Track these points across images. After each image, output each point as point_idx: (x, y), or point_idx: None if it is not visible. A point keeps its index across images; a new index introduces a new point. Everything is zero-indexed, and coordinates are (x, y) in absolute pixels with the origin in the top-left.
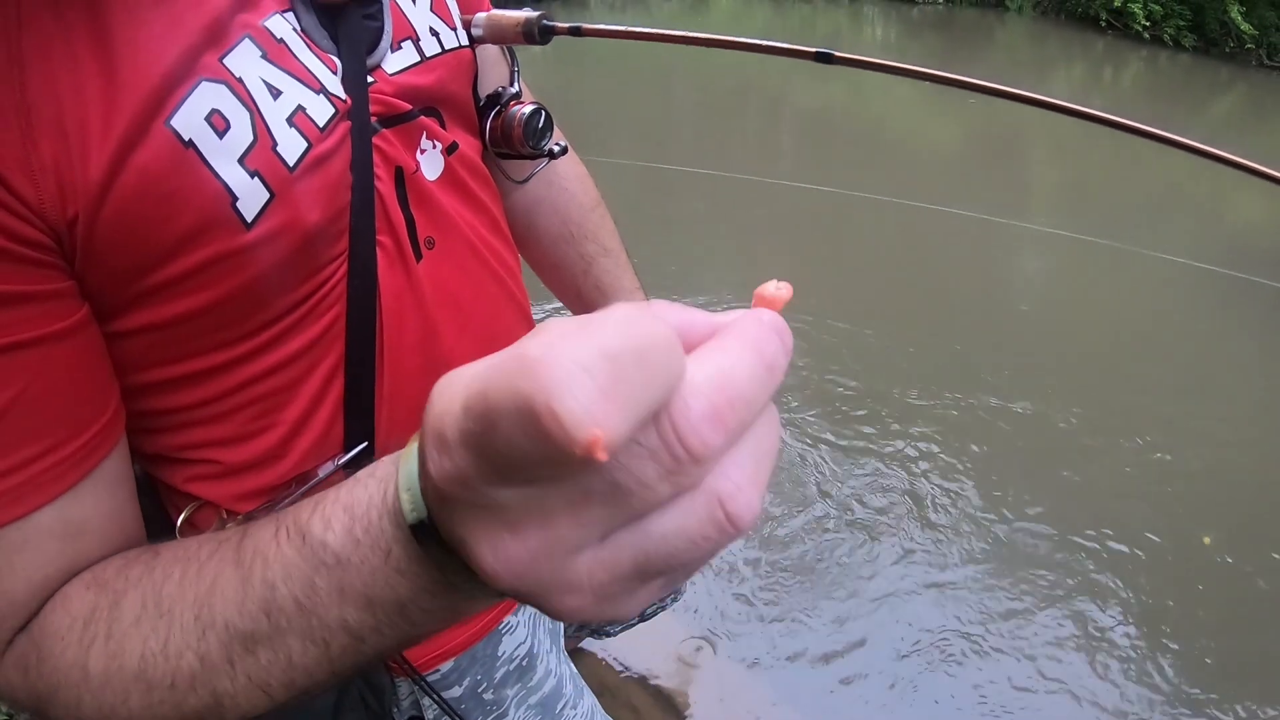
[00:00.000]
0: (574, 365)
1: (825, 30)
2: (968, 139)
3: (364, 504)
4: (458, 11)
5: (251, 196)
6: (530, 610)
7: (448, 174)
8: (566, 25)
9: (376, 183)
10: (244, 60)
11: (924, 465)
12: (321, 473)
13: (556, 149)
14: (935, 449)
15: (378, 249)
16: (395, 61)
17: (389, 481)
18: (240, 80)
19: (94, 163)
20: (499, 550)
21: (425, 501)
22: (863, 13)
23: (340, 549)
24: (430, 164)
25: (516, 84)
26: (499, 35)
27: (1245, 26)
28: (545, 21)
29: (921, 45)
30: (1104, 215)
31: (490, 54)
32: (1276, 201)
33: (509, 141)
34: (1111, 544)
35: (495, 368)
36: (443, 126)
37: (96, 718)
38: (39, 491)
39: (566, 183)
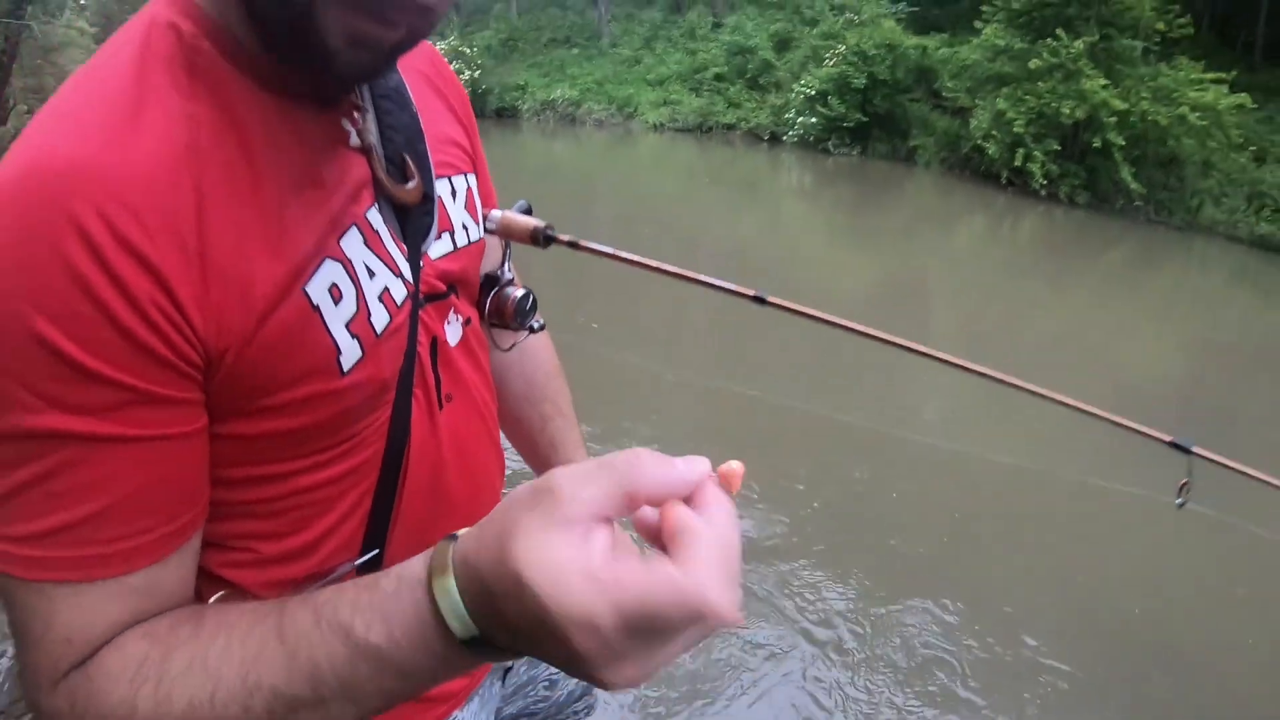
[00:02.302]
0: (713, 583)
1: (746, 171)
2: (878, 278)
3: (400, 617)
4: (480, 208)
5: (350, 353)
6: (476, 704)
7: (464, 342)
8: (566, 238)
9: (419, 348)
10: (352, 244)
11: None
12: (338, 571)
13: (537, 325)
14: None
15: (413, 400)
16: (437, 249)
17: (424, 617)
18: (350, 261)
19: (249, 312)
20: (619, 674)
21: (476, 624)
22: (781, 159)
23: (383, 646)
24: (453, 333)
25: (508, 266)
26: (509, 233)
27: (1135, 185)
28: (549, 232)
29: (836, 192)
30: (1001, 353)
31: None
32: (1153, 353)
33: (501, 316)
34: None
35: (644, 591)
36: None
37: None
38: (141, 556)
39: (535, 351)
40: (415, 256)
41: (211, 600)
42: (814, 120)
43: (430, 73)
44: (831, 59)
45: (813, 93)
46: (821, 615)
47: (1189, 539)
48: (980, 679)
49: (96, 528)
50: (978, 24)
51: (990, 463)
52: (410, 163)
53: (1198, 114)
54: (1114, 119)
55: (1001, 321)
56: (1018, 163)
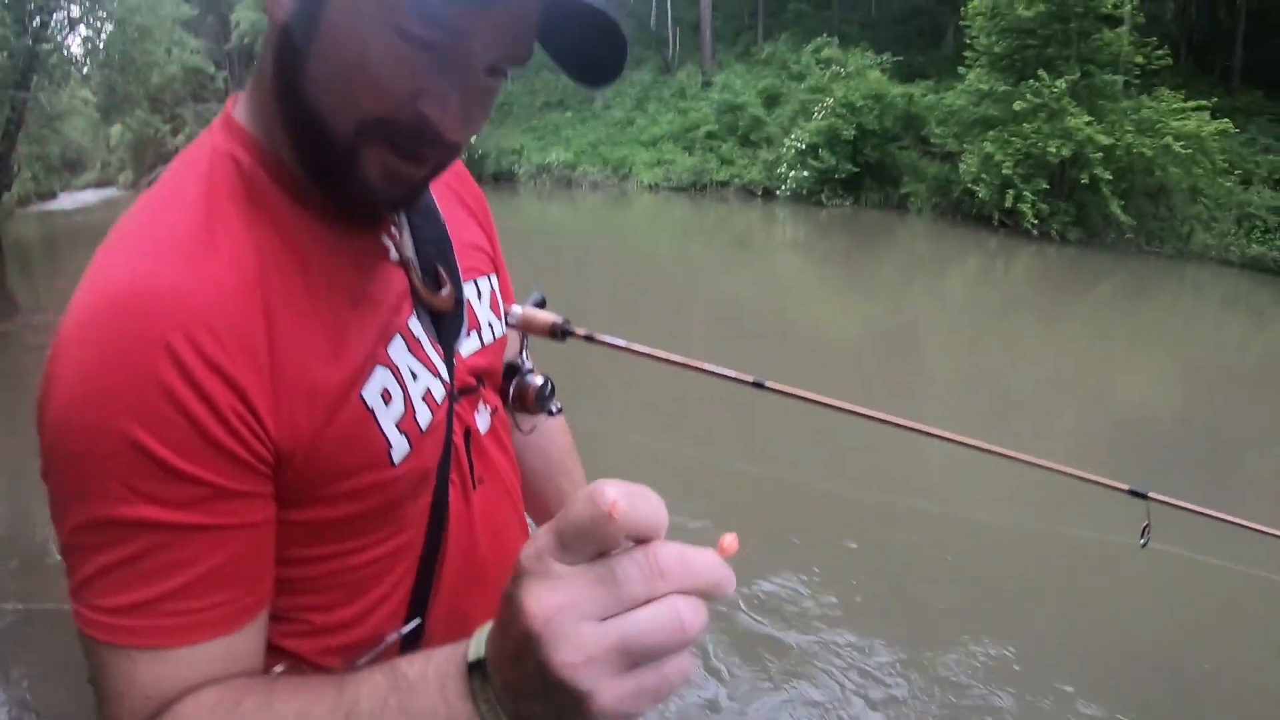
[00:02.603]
0: (608, 484)
1: (740, 227)
2: (874, 328)
3: (439, 656)
4: (502, 306)
5: (399, 448)
6: None
7: (492, 430)
8: (583, 333)
9: (455, 438)
10: (398, 351)
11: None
12: (388, 640)
13: (555, 409)
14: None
15: (450, 485)
16: (467, 346)
17: (458, 645)
18: (396, 366)
19: (314, 417)
20: (540, 599)
21: (484, 647)
22: (775, 214)
23: (417, 678)
24: (483, 422)
25: (526, 354)
26: (529, 328)
27: (1125, 218)
28: (567, 327)
29: (829, 244)
30: (998, 394)
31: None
32: (1150, 382)
33: (523, 403)
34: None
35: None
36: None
37: None
38: (218, 627)
39: (552, 432)
40: (450, 357)
41: (276, 670)
42: (806, 173)
43: (453, 182)
44: (820, 112)
45: (803, 146)
46: (861, 669)
47: (1175, 579)
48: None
49: (179, 602)
50: (961, 69)
51: (988, 524)
52: (442, 271)
53: (1181, 143)
54: (1100, 154)
55: (997, 362)
56: (1008, 203)
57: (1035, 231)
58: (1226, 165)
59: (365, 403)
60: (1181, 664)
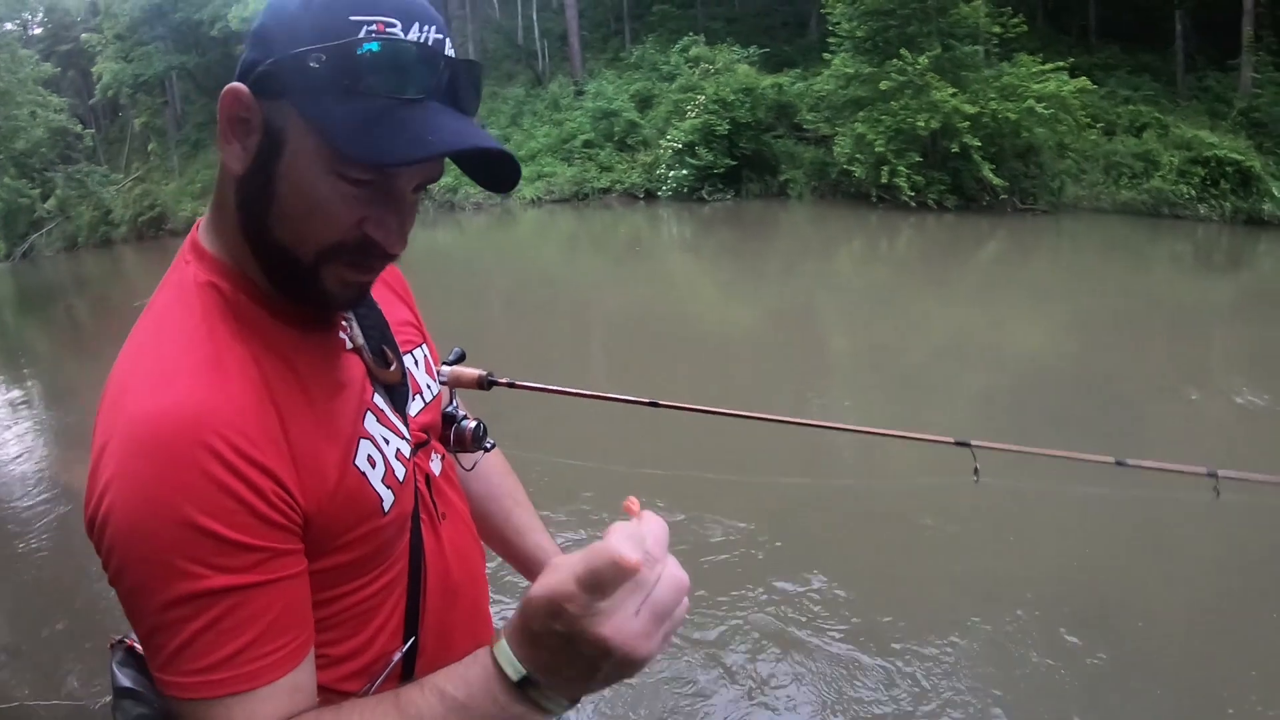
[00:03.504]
0: (622, 541)
1: (626, 231)
2: (770, 316)
3: (474, 678)
4: (434, 369)
5: (387, 499)
6: None
7: (444, 473)
8: (504, 380)
9: (420, 485)
10: (371, 424)
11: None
12: (393, 659)
13: (489, 446)
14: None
15: (422, 524)
16: (414, 408)
17: (488, 669)
18: (373, 437)
19: (324, 487)
20: (603, 628)
21: (522, 667)
22: (659, 215)
23: (464, 699)
24: (436, 467)
25: (456, 403)
26: (458, 383)
27: (998, 181)
28: (491, 378)
29: (716, 239)
30: (900, 363)
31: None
32: (1044, 332)
33: (462, 444)
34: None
35: (585, 557)
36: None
37: None
38: (287, 664)
39: (490, 460)
40: (405, 420)
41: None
42: (685, 172)
43: (385, 278)
44: (693, 110)
45: (680, 145)
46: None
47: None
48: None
49: (256, 648)
50: (826, 55)
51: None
52: (388, 351)
53: (1044, 104)
54: (967, 123)
55: (894, 336)
56: (885, 179)
57: (913, 203)
58: (1089, 120)
59: (359, 469)
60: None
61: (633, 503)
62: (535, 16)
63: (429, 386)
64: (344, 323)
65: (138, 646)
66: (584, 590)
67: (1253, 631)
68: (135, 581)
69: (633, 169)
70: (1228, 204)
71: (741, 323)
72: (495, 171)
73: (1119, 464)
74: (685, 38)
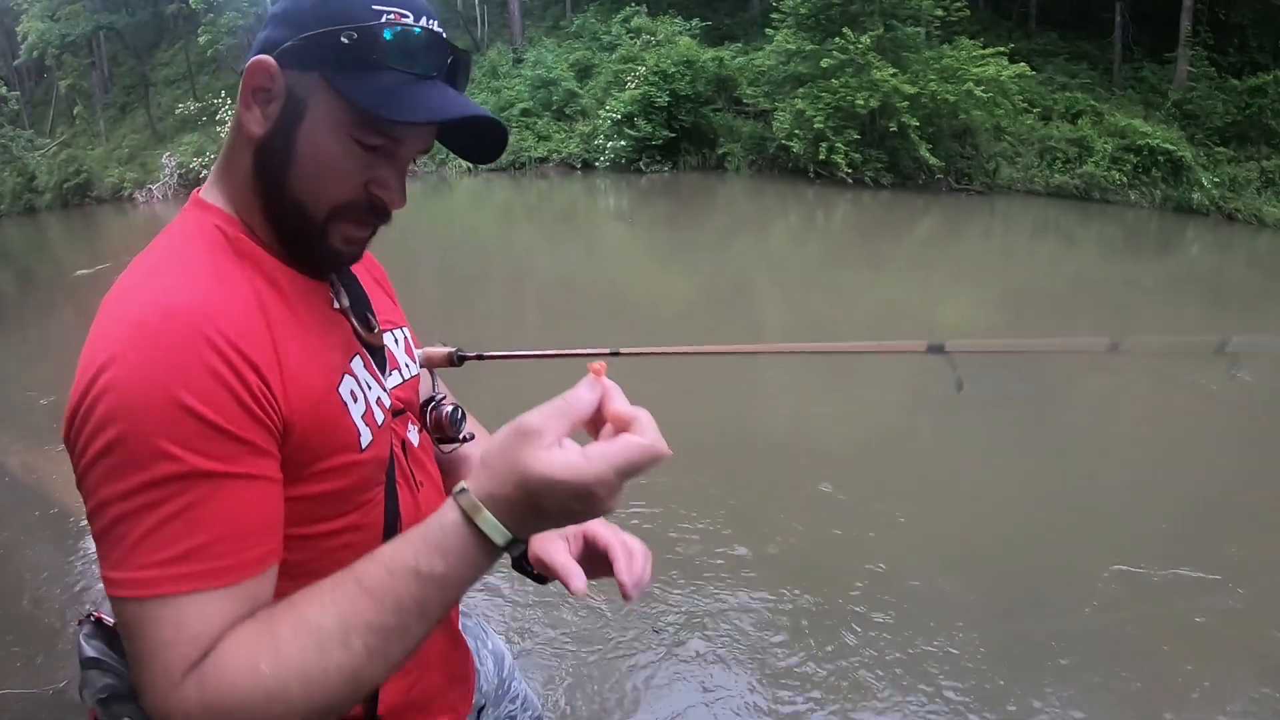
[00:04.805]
0: (656, 436)
1: (562, 202)
2: (706, 287)
3: (453, 550)
4: (414, 350)
5: (365, 436)
6: None
7: (422, 445)
8: (473, 354)
9: (396, 449)
10: (358, 367)
11: None
12: None
13: (468, 436)
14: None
15: (398, 487)
16: (392, 380)
17: (469, 540)
18: (357, 377)
19: (307, 401)
20: (617, 499)
21: (511, 531)
22: (596, 185)
23: (444, 572)
24: (414, 438)
25: (438, 386)
26: (430, 362)
27: (934, 160)
28: (460, 353)
29: (652, 211)
30: (832, 335)
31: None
32: (974, 309)
33: (439, 429)
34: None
35: (625, 452)
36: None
37: (264, 710)
38: (249, 569)
39: (468, 445)
40: (382, 383)
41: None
42: (623, 143)
43: (372, 270)
44: (633, 81)
45: (619, 116)
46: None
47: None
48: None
49: (221, 545)
50: (769, 31)
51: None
52: (370, 317)
53: (982, 88)
54: (906, 103)
55: (828, 306)
56: (822, 156)
57: (850, 180)
58: (1026, 105)
59: (341, 397)
60: None
61: (600, 368)
62: None
63: (407, 365)
64: (330, 287)
65: (106, 619)
66: (620, 478)
67: None
68: (118, 460)
69: (570, 139)
70: (1158, 191)
71: (676, 293)
72: (481, 143)
73: (1114, 348)
74: (627, 8)
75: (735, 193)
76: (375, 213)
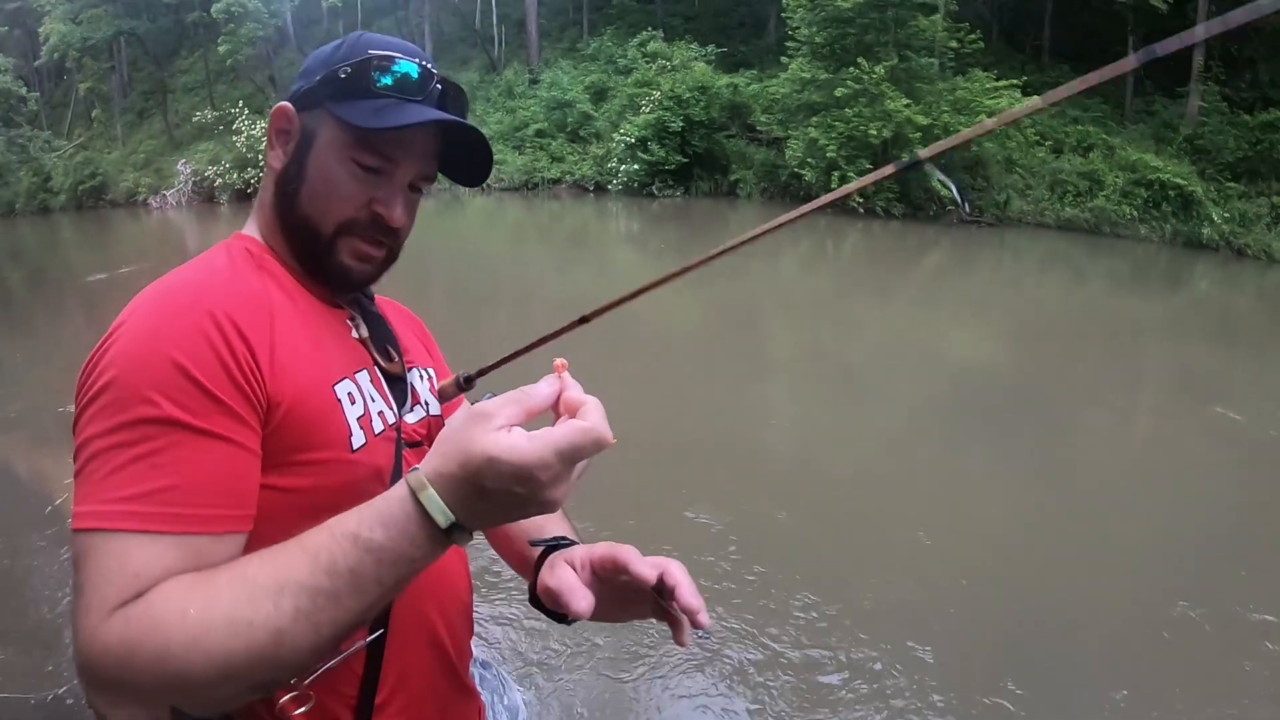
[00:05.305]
0: (601, 422)
1: (573, 223)
2: (713, 314)
3: (394, 521)
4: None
5: (357, 439)
6: None
7: None
8: (475, 372)
9: (406, 469)
10: (362, 379)
11: None
12: (355, 646)
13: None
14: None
15: None
16: (411, 417)
17: (410, 514)
18: (360, 386)
19: (294, 389)
20: (563, 488)
21: (453, 513)
22: (607, 208)
23: (382, 542)
24: None
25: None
26: (444, 396)
27: (945, 191)
28: (465, 376)
29: (662, 235)
30: (839, 365)
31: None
32: (982, 341)
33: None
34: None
35: (568, 435)
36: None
37: (180, 653)
38: (204, 525)
39: None
40: (398, 415)
41: None
42: (636, 166)
43: (410, 323)
44: (647, 105)
45: (632, 140)
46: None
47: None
48: None
49: (182, 494)
50: (784, 59)
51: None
52: (390, 350)
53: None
54: (919, 134)
55: (836, 336)
56: (834, 184)
57: (861, 209)
58: (1038, 137)
59: (335, 395)
60: None
61: (562, 364)
62: (494, 1)
63: (429, 404)
64: (350, 318)
65: None
66: (562, 462)
67: None
68: (106, 400)
69: (584, 161)
70: (1168, 226)
71: (686, 317)
72: (472, 165)
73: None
74: (644, 32)
75: (747, 219)
76: (379, 229)
